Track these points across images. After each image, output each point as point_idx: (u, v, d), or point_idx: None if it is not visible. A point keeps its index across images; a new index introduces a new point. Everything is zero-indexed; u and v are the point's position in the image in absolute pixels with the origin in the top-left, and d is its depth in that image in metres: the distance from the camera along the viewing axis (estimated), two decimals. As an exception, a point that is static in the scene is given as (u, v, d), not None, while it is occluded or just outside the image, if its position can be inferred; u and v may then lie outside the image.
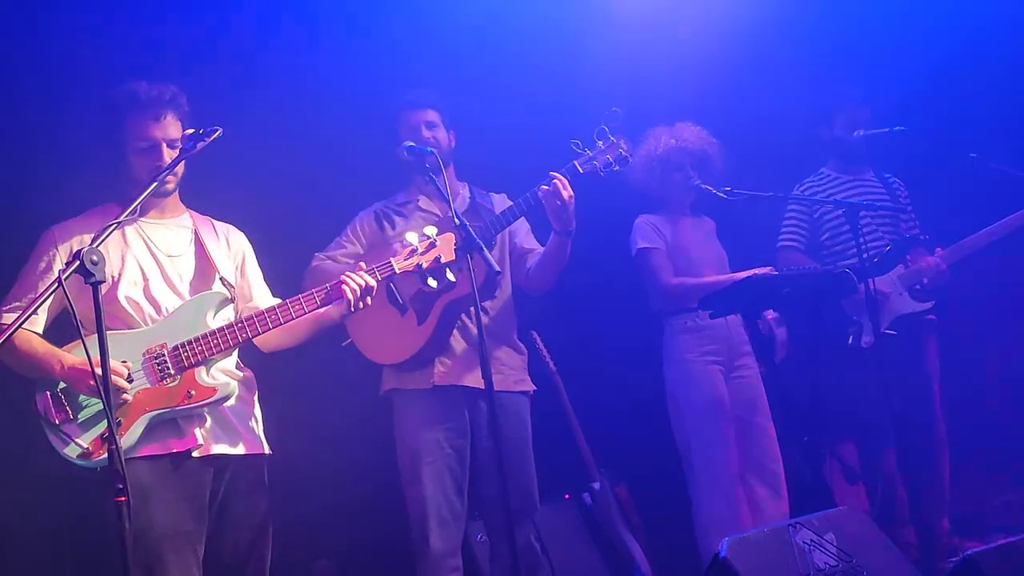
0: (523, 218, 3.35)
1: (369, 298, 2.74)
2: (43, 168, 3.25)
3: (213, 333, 2.64)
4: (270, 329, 2.69)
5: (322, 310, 2.80)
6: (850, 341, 3.88)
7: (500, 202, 3.48)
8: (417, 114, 3.38)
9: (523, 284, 3.43)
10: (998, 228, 3.91)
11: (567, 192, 3.11)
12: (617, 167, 3.23)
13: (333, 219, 3.51)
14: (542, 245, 3.41)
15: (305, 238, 3.51)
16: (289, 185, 3.68)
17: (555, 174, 3.15)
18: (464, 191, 3.48)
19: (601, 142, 3.22)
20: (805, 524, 2.19)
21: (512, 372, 3.35)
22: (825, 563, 2.13)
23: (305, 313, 2.72)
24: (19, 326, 2.07)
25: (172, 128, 2.70)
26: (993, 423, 4.51)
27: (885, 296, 3.89)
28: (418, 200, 3.45)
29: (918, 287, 3.96)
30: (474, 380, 3.20)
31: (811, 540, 2.14)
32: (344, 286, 2.71)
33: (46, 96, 3.29)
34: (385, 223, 3.41)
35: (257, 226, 3.05)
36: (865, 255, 3.61)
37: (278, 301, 2.82)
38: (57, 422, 2.55)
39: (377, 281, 2.76)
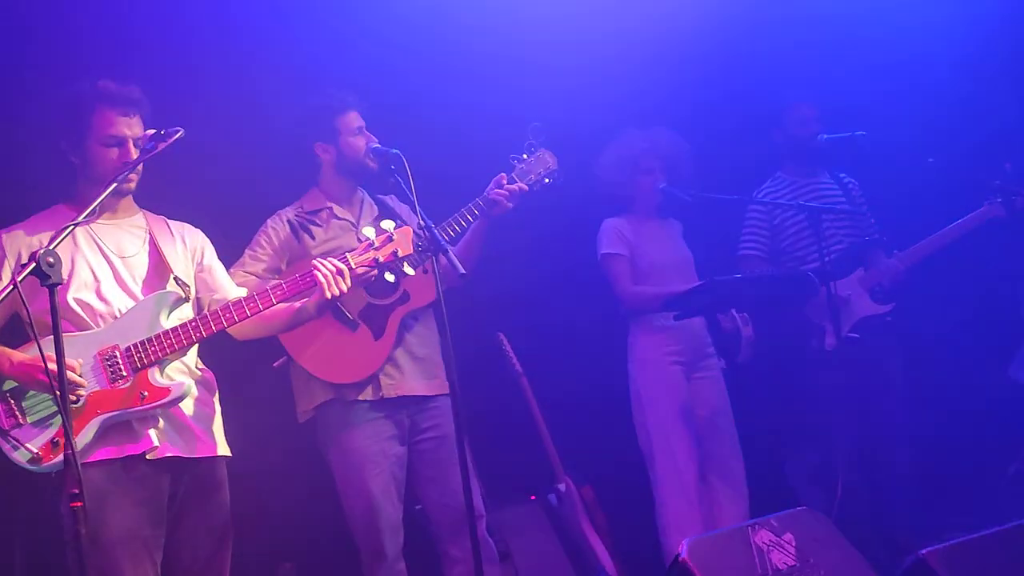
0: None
1: (343, 282, 2.69)
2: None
3: (167, 333, 2.61)
4: (224, 327, 2.66)
5: (298, 304, 2.78)
6: (814, 345, 3.93)
7: (395, 205, 3.41)
8: (355, 117, 3.26)
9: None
10: (953, 230, 3.97)
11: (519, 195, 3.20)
12: (548, 180, 3.27)
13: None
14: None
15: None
16: (236, 186, 3.60)
17: (510, 180, 3.18)
18: (365, 196, 3.40)
19: (527, 155, 3.26)
20: (764, 525, 2.21)
21: (443, 375, 3.30)
22: (784, 563, 2.15)
23: (272, 304, 2.69)
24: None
25: (138, 128, 2.68)
26: (955, 424, 4.58)
27: (846, 299, 3.94)
28: (331, 207, 3.31)
29: (877, 289, 4.02)
30: (420, 388, 3.21)
31: (770, 541, 2.17)
32: (316, 272, 2.67)
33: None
34: (303, 233, 3.24)
35: (210, 228, 3.01)
36: (827, 258, 3.65)
37: (244, 292, 2.80)
38: (6, 427, 2.52)
39: (349, 268, 2.72)
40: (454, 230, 3.18)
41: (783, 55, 4.41)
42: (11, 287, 2.02)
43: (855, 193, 4.21)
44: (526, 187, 3.21)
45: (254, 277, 3.17)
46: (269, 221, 3.27)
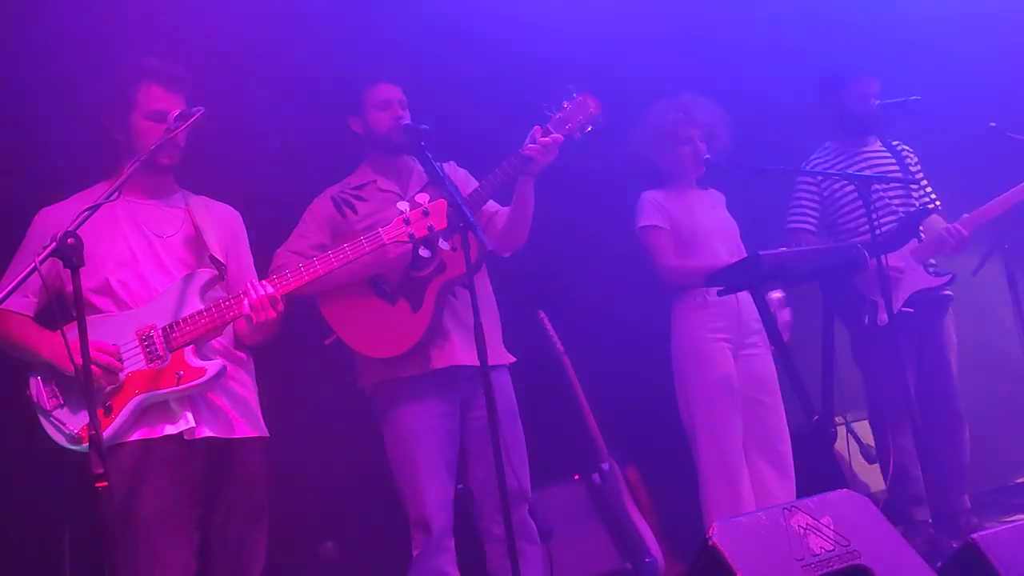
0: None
1: (271, 310, 2.58)
2: (38, 151, 3.23)
3: (200, 313, 2.61)
4: (229, 320, 2.64)
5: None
6: (866, 321, 3.80)
7: (451, 170, 3.35)
8: (390, 89, 3.23)
9: (497, 246, 3.25)
10: (1014, 194, 3.78)
11: (557, 145, 3.08)
12: (591, 127, 3.12)
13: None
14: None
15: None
16: (279, 169, 3.61)
17: (544, 134, 3.06)
18: (416, 165, 3.34)
19: (567, 103, 3.11)
20: (801, 507, 2.11)
21: (497, 344, 3.26)
22: (821, 547, 2.05)
23: (236, 312, 2.63)
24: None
25: (180, 106, 2.66)
26: (1015, 399, 4.40)
27: (899, 271, 3.80)
28: (375, 181, 3.29)
29: (933, 262, 3.86)
30: (470, 357, 3.13)
31: (807, 524, 2.07)
32: (244, 297, 2.60)
33: (37, 77, 3.25)
34: (345, 208, 3.23)
35: (251, 209, 3.01)
36: (878, 230, 3.51)
37: None
38: (48, 407, 2.56)
39: (284, 290, 2.61)
40: (489, 190, 3.12)
41: (835, 18, 4.25)
42: (32, 268, 2.03)
43: (909, 161, 4.05)
44: (561, 137, 3.06)
45: (298, 256, 3.17)
46: (315, 200, 3.29)
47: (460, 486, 3.37)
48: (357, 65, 3.32)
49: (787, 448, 3.66)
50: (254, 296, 2.59)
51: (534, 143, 3.07)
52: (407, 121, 3.15)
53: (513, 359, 3.32)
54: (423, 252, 2.87)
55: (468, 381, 3.17)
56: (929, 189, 4.02)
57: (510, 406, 3.26)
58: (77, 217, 2.17)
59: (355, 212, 3.23)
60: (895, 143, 4.08)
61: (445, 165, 3.34)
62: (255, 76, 3.53)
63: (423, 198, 2.71)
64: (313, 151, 3.57)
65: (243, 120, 3.35)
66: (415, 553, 3.14)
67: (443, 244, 2.77)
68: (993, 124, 3.82)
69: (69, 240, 2.02)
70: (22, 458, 2.86)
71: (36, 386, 2.59)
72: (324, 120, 3.42)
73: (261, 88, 3.55)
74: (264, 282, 2.64)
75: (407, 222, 2.70)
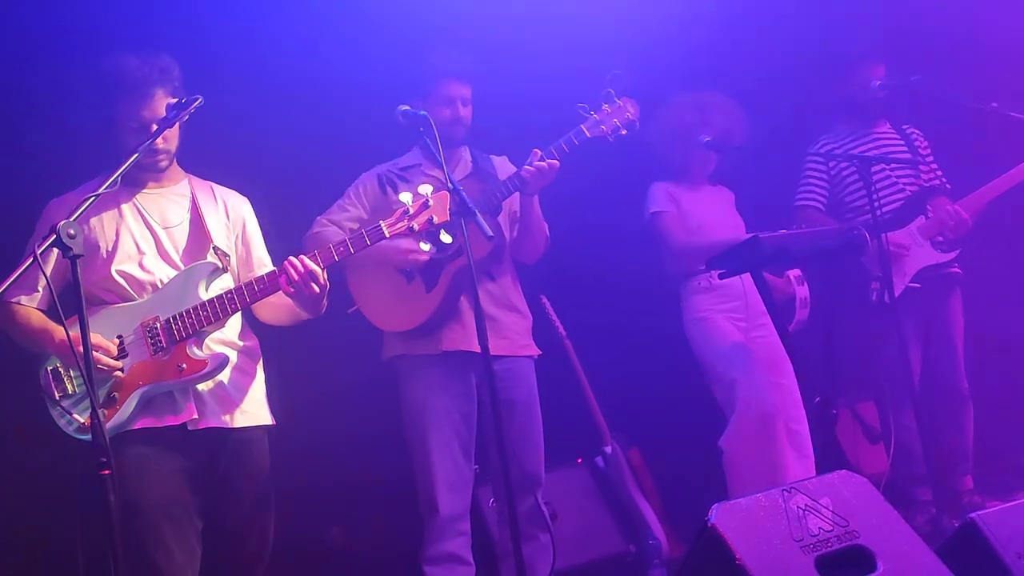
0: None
1: (315, 284, 2.60)
2: (50, 143, 3.24)
3: (203, 304, 2.62)
4: (248, 303, 2.66)
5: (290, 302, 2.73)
6: (874, 297, 3.79)
7: (501, 165, 3.41)
8: (459, 86, 3.27)
9: (514, 253, 3.37)
10: (1013, 175, 3.78)
11: (554, 171, 3.13)
12: (624, 131, 3.17)
13: (342, 182, 3.42)
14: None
15: (315, 202, 3.43)
16: (295, 150, 3.62)
17: (540, 158, 3.11)
18: (466, 155, 3.40)
19: (607, 105, 3.16)
20: (800, 488, 2.12)
21: (517, 336, 3.31)
22: (820, 528, 2.06)
23: (268, 291, 2.64)
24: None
25: (162, 106, 2.62)
26: (1022, 378, 4.39)
27: (906, 248, 3.80)
28: (421, 165, 3.35)
29: (940, 239, 3.86)
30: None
31: (806, 505, 2.08)
32: (284, 273, 2.61)
33: (47, 68, 3.25)
34: (388, 187, 3.30)
35: (264, 192, 3.02)
36: (880, 211, 3.51)
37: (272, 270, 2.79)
38: (57, 396, 2.59)
39: (323, 265, 2.61)
40: (494, 201, 3.17)
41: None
42: (32, 260, 2.04)
43: (918, 143, 4.05)
44: (558, 163, 3.12)
45: (334, 226, 3.25)
46: (362, 175, 3.37)
47: (476, 467, 3.39)
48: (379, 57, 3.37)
49: (804, 428, 3.61)
50: (297, 269, 2.58)
51: (530, 166, 3.10)
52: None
53: (539, 352, 3.33)
54: (423, 247, 2.88)
55: (483, 367, 3.19)
56: (936, 170, 4.02)
57: (531, 395, 3.30)
58: (76, 207, 2.17)
59: (396, 191, 3.27)
60: (905, 127, 4.08)
61: (496, 159, 3.42)
62: (273, 69, 3.54)
63: (426, 189, 2.71)
64: (329, 141, 3.60)
65: (261, 109, 3.36)
66: (426, 534, 3.16)
67: (445, 237, 2.77)
68: (995, 105, 3.80)
69: (69, 230, 2.02)
70: (36, 446, 2.87)
71: (45, 376, 2.62)
72: (339, 110, 3.46)
73: (279, 81, 3.57)
74: (303, 258, 2.61)
75: (408, 214, 2.70)
